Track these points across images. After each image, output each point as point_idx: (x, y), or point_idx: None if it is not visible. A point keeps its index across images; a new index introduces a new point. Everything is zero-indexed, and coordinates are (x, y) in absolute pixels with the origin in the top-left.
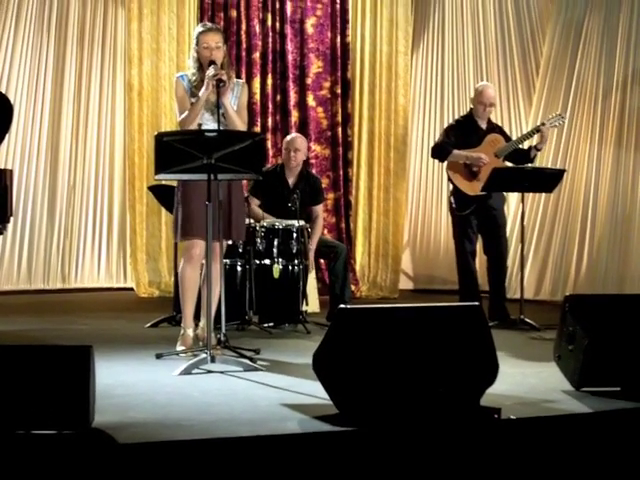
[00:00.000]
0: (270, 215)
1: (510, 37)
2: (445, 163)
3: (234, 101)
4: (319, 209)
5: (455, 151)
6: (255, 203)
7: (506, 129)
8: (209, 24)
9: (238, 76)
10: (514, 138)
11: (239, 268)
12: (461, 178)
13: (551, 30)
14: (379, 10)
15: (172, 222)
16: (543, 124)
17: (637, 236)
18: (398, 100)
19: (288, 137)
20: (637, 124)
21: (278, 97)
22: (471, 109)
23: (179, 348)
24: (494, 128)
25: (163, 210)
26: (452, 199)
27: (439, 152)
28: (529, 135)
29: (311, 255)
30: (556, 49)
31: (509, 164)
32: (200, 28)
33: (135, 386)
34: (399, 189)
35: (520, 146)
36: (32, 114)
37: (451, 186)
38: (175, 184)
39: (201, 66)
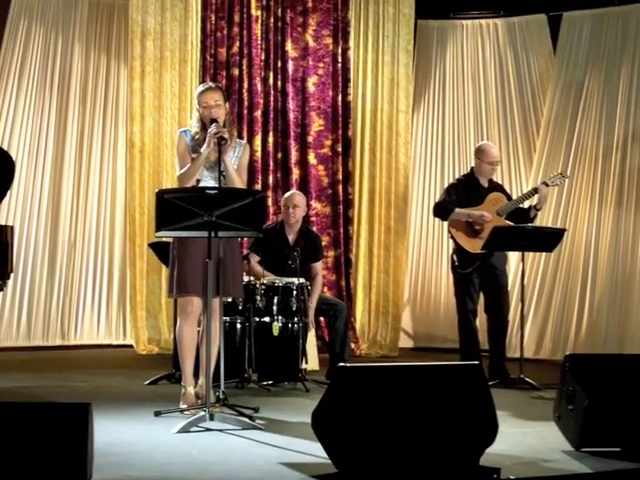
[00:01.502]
0: (270, 273)
1: (511, 97)
2: (447, 221)
3: (235, 160)
4: (318, 266)
5: (457, 209)
6: (255, 260)
7: (507, 188)
8: (209, 83)
9: (240, 133)
10: (515, 197)
11: (239, 325)
12: (463, 236)
13: (551, 90)
14: (380, 69)
15: (167, 278)
16: (545, 183)
17: (637, 296)
18: (399, 158)
19: (287, 194)
20: (637, 184)
21: (279, 155)
22: (472, 168)
23: (182, 407)
24: (496, 187)
25: (163, 267)
26: (454, 257)
27: (441, 210)
28: (530, 194)
29: (311, 314)
30: (556, 109)
31: (510, 223)
32: (200, 88)
33: (133, 444)
34: (399, 247)
35: (521, 205)
36: (34, 171)
37: (453, 244)
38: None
39: (204, 125)
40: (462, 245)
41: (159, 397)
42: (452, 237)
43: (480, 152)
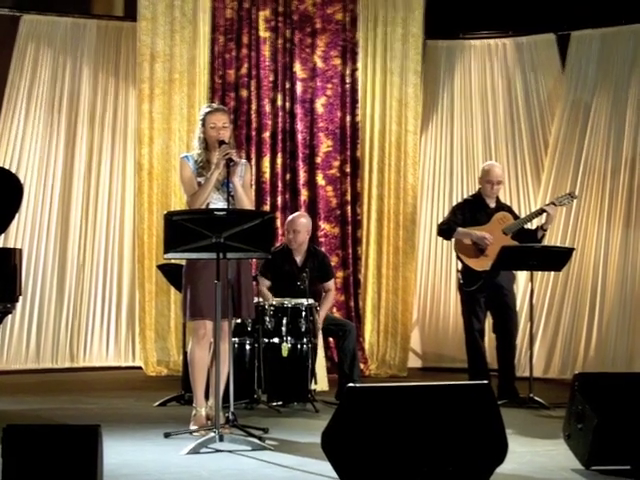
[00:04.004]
0: (279, 295)
1: (519, 116)
2: (453, 241)
3: (239, 180)
4: (331, 284)
5: (460, 229)
6: (265, 285)
7: (515, 208)
8: (215, 105)
9: (248, 155)
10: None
11: (248, 347)
12: (468, 254)
13: (559, 110)
14: (388, 90)
15: (181, 302)
16: (553, 203)
17: None
18: (407, 179)
19: (290, 217)
20: None
21: (288, 176)
22: (479, 189)
23: (192, 428)
24: (503, 207)
25: (172, 289)
26: (460, 275)
27: (445, 230)
28: (537, 214)
29: (320, 321)
30: (565, 129)
31: (515, 242)
32: (207, 109)
33: (143, 466)
34: (408, 267)
35: (527, 226)
36: (42, 193)
37: (459, 263)
38: (184, 263)
39: (207, 146)
40: (467, 263)
41: (168, 418)
42: (458, 256)
43: (482, 171)
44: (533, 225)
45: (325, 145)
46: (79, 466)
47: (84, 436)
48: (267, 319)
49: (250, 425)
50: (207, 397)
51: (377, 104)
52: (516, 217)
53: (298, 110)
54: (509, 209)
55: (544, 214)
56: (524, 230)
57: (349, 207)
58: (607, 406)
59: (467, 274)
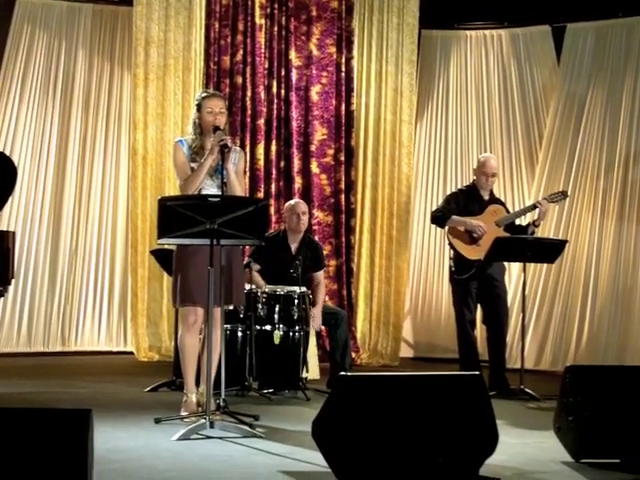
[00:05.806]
0: (271, 282)
1: (514, 108)
2: (446, 228)
3: (232, 168)
4: (320, 275)
5: (454, 217)
6: (255, 268)
7: (509, 200)
8: (212, 90)
9: (242, 142)
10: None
11: (240, 334)
12: (461, 243)
13: (555, 103)
14: (384, 79)
15: (171, 287)
16: (545, 199)
17: (638, 308)
18: (401, 168)
19: (292, 202)
20: (639, 197)
21: (282, 163)
22: (474, 180)
23: (183, 414)
24: (496, 200)
25: (165, 274)
26: (452, 263)
27: (439, 218)
28: (530, 209)
29: (318, 320)
30: (559, 121)
31: (507, 234)
32: (203, 94)
33: (134, 451)
34: (401, 257)
35: (518, 221)
36: (36, 177)
37: (451, 251)
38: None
39: (202, 131)
40: (460, 251)
41: (159, 404)
42: (450, 243)
43: (477, 163)
44: (525, 221)
45: (320, 133)
46: (70, 451)
47: (75, 420)
48: (259, 306)
49: (241, 412)
50: (198, 383)
51: (372, 93)
52: (508, 211)
53: (293, 98)
54: (502, 203)
55: (537, 210)
56: (516, 225)
57: (343, 196)
58: (598, 399)
59: (459, 262)
